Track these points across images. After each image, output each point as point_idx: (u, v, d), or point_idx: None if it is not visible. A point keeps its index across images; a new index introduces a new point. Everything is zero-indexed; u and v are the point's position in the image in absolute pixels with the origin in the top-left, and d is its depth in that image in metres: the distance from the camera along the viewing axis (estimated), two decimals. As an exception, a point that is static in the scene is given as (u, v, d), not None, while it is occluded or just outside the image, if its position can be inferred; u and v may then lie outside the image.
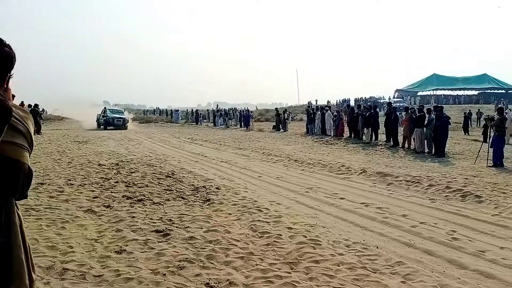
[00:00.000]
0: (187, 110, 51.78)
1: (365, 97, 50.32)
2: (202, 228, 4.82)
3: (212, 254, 3.99)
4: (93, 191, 6.80)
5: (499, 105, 24.96)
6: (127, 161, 10.40)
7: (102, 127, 30.20)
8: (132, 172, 8.71)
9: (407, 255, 4.23)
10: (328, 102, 48.14)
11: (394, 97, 50.92)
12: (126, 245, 4.18)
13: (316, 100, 38.89)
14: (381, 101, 45.15)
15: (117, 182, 7.57)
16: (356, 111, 19.37)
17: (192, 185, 7.69)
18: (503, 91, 51.32)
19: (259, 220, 5.31)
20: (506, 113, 19.41)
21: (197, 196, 6.70)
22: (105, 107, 33.46)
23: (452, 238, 4.94)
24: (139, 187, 7.20)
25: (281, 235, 4.70)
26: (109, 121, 29.43)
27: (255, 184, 8.33)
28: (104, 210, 5.57)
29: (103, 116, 30.32)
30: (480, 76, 53.99)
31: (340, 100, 50.65)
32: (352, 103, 40.69)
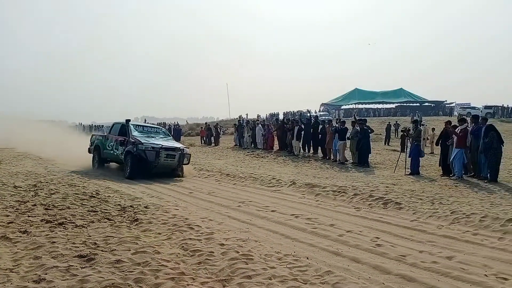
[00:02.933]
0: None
1: (293, 111, 51.90)
2: (129, 250, 4.59)
3: (140, 277, 3.80)
4: (8, 216, 6.20)
5: (415, 118, 27.12)
6: (47, 182, 9.66)
7: (106, 162, 14.35)
8: (52, 194, 8.09)
9: (335, 264, 4.36)
10: (258, 116, 48.98)
11: (320, 111, 53.13)
12: (46, 274, 3.84)
13: (247, 114, 39.39)
14: (308, 114, 46.84)
15: (35, 205, 6.98)
16: (286, 125, 19.89)
17: (119, 204, 7.33)
18: (418, 104, 55.89)
19: (190, 238, 5.18)
20: (423, 125, 21.18)
21: (124, 217, 6.39)
22: (123, 123, 13.64)
23: (376, 244, 5.20)
24: (60, 210, 6.70)
25: (213, 252, 4.63)
26: (147, 155, 11.87)
27: (186, 201, 8.16)
28: (20, 237, 5.09)
29: (122, 144, 12.72)
30: (397, 90, 58.37)
31: (269, 114, 51.70)
32: (281, 117, 41.72)
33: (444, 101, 55.70)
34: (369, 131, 14.72)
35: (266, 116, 52.11)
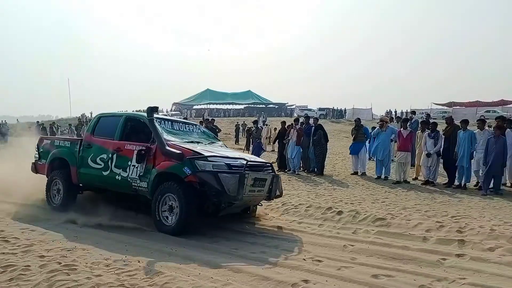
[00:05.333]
0: None
1: (144, 110, 50.34)
2: None
3: None
4: None
5: (256, 119, 29.09)
6: None
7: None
8: None
9: (167, 264, 4.31)
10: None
11: (171, 110, 52.74)
12: None
13: (91, 113, 36.43)
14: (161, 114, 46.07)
15: None
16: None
17: None
18: (264, 105, 59.96)
19: (3, 253, 4.52)
20: (267, 125, 22.74)
21: None
22: (133, 116, 7.08)
23: (213, 241, 5.36)
24: None
25: (29, 266, 4.11)
26: (222, 184, 5.42)
27: (3, 210, 7.09)
28: None
29: (141, 157, 6.07)
30: (246, 92, 61.69)
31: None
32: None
33: (286, 103, 60.97)
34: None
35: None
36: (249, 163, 5.92)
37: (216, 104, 59.06)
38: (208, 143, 6.88)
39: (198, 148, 6.00)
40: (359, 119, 13.05)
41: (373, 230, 5.81)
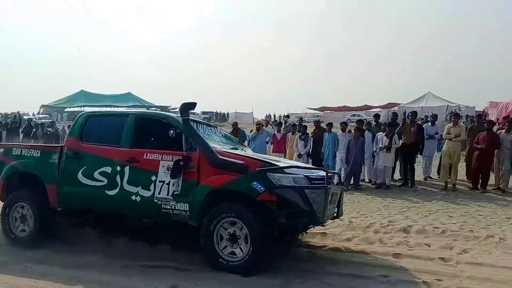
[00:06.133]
0: None
1: (6, 113, 44.76)
2: None
3: None
4: None
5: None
6: None
7: None
8: None
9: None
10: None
11: (39, 113, 47.90)
12: None
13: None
14: (26, 117, 41.52)
15: None
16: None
17: None
18: (145, 108, 58.04)
19: None
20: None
21: None
22: (160, 115, 5.72)
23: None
24: None
25: None
26: (310, 202, 4.36)
27: None
28: None
29: (178, 171, 4.69)
30: (125, 94, 58.98)
31: None
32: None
33: (169, 106, 59.90)
34: None
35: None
36: (330, 174, 4.97)
37: (92, 106, 55.26)
38: (241, 150, 5.61)
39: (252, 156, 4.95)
40: (236, 123, 13.42)
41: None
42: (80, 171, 5.10)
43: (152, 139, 5.14)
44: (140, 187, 4.78)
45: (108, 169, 4.97)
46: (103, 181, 4.97)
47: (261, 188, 4.25)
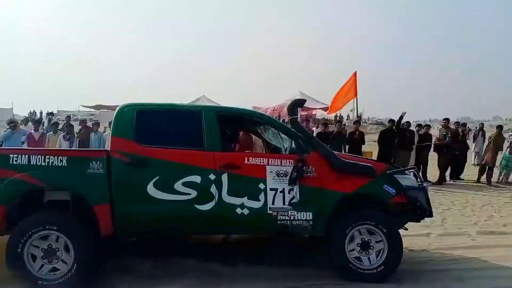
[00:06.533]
0: None
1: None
2: None
3: None
4: None
5: None
6: None
7: None
8: None
9: None
10: None
11: None
12: None
13: None
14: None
15: None
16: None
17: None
18: None
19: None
20: None
21: None
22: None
23: None
24: None
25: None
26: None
27: None
28: None
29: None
30: None
31: None
32: None
33: None
34: None
35: None
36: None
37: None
38: None
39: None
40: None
41: None
42: (151, 183, 3.94)
43: (233, 140, 4.83)
44: (246, 197, 4.07)
45: (196, 178, 4.01)
46: (190, 194, 3.99)
47: (393, 191, 4.23)
